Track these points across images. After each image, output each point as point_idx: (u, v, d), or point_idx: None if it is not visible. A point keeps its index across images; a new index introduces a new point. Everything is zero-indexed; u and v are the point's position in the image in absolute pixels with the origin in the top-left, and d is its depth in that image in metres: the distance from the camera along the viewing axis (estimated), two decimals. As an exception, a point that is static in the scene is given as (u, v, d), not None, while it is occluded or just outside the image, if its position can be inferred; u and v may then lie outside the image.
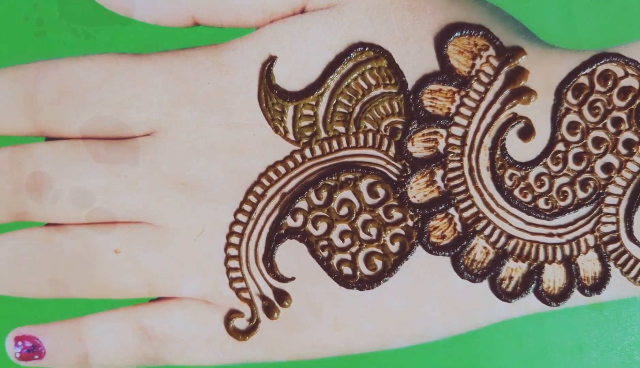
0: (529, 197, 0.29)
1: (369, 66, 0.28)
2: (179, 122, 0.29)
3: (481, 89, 0.29)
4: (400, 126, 0.29)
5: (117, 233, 0.30)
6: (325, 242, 0.30)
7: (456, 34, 0.28)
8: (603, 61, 0.28)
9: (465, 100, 0.29)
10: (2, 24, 0.28)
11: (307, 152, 0.29)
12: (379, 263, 0.30)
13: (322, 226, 0.30)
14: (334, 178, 0.29)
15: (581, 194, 0.29)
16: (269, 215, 0.30)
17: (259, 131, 0.29)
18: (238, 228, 0.30)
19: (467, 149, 0.29)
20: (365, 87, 0.29)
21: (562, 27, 0.28)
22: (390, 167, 0.29)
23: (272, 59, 0.28)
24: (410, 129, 0.29)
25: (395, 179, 0.29)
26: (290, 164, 0.29)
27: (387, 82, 0.29)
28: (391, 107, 0.29)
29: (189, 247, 0.30)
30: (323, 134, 0.29)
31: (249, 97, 0.29)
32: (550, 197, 0.29)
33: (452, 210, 0.29)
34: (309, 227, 0.30)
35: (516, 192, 0.29)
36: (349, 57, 0.28)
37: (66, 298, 0.30)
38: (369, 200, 0.29)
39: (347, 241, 0.30)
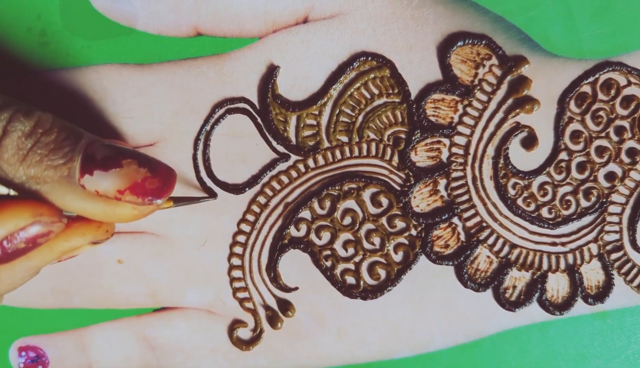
0: (533, 206, 0.29)
1: (372, 75, 0.28)
2: (182, 132, 0.29)
3: (484, 98, 0.29)
4: (403, 135, 0.29)
5: (120, 243, 0.30)
6: (328, 252, 0.30)
7: (459, 43, 0.28)
8: (606, 70, 0.28)
9: (469, 110, 0.29)
10: (5, 35, 0.28)
11: (310, 162, 0.29)
12: (382, 273, 0.30)
13: (326, 236, 0.30)
14: (337, 187, 0.29)
15: (584, 203, 0.29)
16: (272, 224, 0.30)
17: (261, 141, 0.29)
18: (241, 238, 0.30)
19: (470, 158, 0.29)
20: (368, 96, 0.29)
21: (564, 36, 0.28)
22: (393, 177, 0.29)
23: (275, 69, 0.28)
24: (414, 138, 0.29)
25: (398, 188, 0.29)
26: (294, 174, 0.29)
27: (390, 91, 0.29)
28: (394, 117, 0.29)
29: (192, 257, 0.30)
30: (326, 144, 0.29)
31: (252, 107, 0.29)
32: (554, 206, 0.29)
33: (455, 220, 0.29)
34: (313, 236, 0.30)
35: (519, 201, 0.29)
36: (351, 67, 0.28)
37: (70, 308, 0.30)
38: (372, 210, 0.29)
39: (351, 251, 0.30)
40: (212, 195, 0.29)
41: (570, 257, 0.30)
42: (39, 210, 0.20)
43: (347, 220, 0.29)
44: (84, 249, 0.23)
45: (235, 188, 0.29)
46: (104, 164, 0.21)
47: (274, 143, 0.29)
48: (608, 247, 0.30)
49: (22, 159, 0.20)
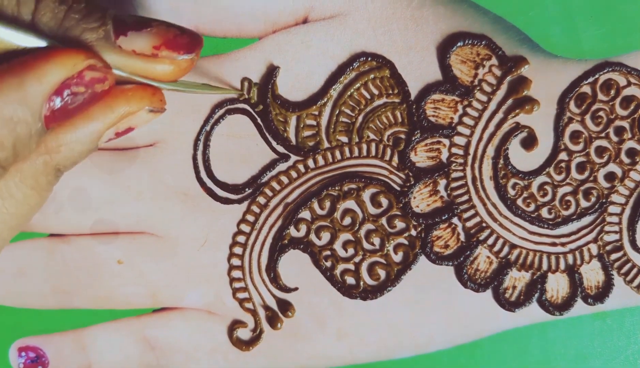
0: (532, 207, 0.29)
1: (372, 76, 0.28)
2: (182, 133, 0.29)
3: (484, 98, 0.29)
4: (403, 136, 0.29)
5: (120, 243, 0.30)
6: (328, 252, 0.30)
7: (459, 44, 0.28)
8: (605, 70, 0.28)
9: (468, 110, 0.29)
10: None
11: (310, 162, 0.29)
12: (382, 273, 0.30)
13: (325, 236, 0.30)
14: (337, 188, 0.29)
15: (584, 203, 0.29)
16: (272, 225, 0.30)
17: (261, 141, 0.29)
18: (241, 239, 0.30)
19: (470, 158, 0.29)
20: (368, 97, 0.29)
21: (564, 37, 0.28)
22: (393, 177, 0.29)
23: (275, 69, 0.28)
24: (413, 138, 0.29)
25: (398, 188, 0.29)
26: (293, 174, 0.29)
27: (390, 91, 0.29)
28: (394, 117, 0.29)
29: (192, 258, 0.30)
30: (326, 144, 0.29)
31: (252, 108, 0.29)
32: (554, 207, 0.29)
33: (455, 220, 0.29)
34: (312, 237, 0.30)
35: (519, 202, 0.29)
36: (351, 67, 0.28)
37: (70, 308, 0.30)
38: (372, 210, 0.29)
39: (351, 251, 0.30)
40: (238, 89, 0.29)
41: (570, 257, 0.30)
42: (91, 55, 0.21)
43: (347, 220, 0.29)
44: (142, 117, 0.24)
45: (235, 189, 0.29)
46: (136, 25, 0.22)
47: (274, 143, 0.29)
48: (608, 247, 0.30)
49: (60, 23, 0.21)
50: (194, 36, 0.23)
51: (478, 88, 0.28)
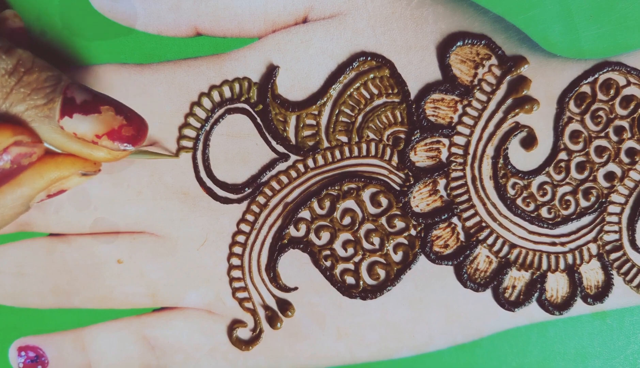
0: (532, 206, 0.29)
1: (372, 76, 0.28)
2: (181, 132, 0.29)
3: (484, 98, 0.29)
4: (402, 135, 0.29)
5: (119, 243, 0.30)
6: (328, 252, 0.30)
7: (458, 43, 0.28)
8: (605, 70, 0.28)
9: (468, 110, 0.29)
10: (5, 35, 0.28)
11: (310, 162, 0.29)
12: (382, 273, 0.30)
13: (325, 236, 0.30)
14: (336, 187, 0.29)
15: (584, 203, 0.29)
16: (271, 225, 0.30)
17: (261, 141, 0.29)
18: (241, 238, 0.30)
19: (469, 158, 0.29)
20: (368, 96, 0.29)
21: (564, 36, 0.28)
22: (393, 177, 0.29)
23: (274, 69, 0.28)
24: (413, 138, 0.29)
25: (398, 188, 0.29)
26: (293, 174, 0.29)
27: (390, 91, 0.29)
28: (394, 117, 0.29)
29: (191, 257, 0.30)
30: (326, 144, 0.29)
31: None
32: (553, 206, 0.29)
33: (455, 220, 0.29)
34: (312, 236, 0.30)
35: (519, 201, 0.29)
36: (351, 67, 0.28)
37: (70, 308, 0.30)
38: (372, 210, 0.29)
39: (350, 251, 0.30)
40: (174, 154, 0.29)
41: (569, 256, 0.30)
42: (19, 131, 0.21)
43: (347, 220, 0.29)
44: (73, 181, 0.23)
45: (235, 189, 0.29)
46: (83, 108, 0.22)
47: (274, 143, 0.29)
48: (607, 247, 0.30)
49: (6, 97, 0.21)
50: (139, 128, 0.23)
51: (478, 87, 0.28)
